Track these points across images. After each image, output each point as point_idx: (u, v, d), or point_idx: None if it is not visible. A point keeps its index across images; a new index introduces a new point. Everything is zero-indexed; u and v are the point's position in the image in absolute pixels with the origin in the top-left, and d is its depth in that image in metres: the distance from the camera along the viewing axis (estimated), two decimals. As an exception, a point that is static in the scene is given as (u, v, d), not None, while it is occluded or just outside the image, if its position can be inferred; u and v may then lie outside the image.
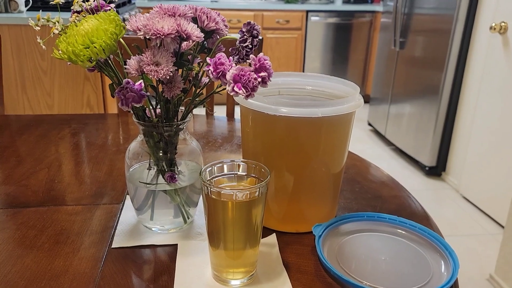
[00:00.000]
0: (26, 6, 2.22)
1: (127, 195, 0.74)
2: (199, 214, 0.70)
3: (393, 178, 0.86)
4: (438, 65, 2.42)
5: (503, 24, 2.02)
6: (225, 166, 0.56)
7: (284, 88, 0.72)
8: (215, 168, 0.55)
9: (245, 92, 0.52)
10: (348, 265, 0.58)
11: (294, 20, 3.68)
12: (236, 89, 0.51)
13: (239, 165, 0.56)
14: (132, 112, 0.59)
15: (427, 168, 2.57)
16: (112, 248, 0.61)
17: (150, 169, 0.65)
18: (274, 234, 0.65)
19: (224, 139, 1.05)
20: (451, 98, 2.41)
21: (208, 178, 0.54)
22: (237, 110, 1.24)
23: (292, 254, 0.61)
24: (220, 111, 1.26)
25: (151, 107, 0.59)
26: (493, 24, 2.03)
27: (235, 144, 1.01)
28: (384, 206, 0.76)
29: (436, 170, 2.57)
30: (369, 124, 3.35)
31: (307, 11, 3.68)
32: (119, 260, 0.59)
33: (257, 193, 0.50)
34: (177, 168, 0.64)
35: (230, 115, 1.24)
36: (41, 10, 0.89)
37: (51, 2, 0.61)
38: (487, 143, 2.14)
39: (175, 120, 0.60)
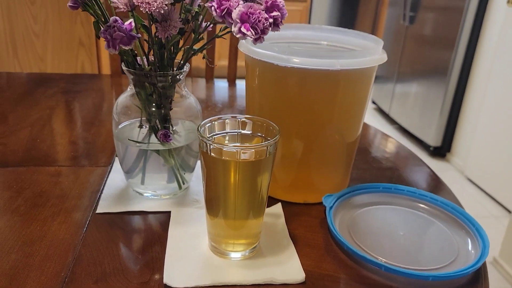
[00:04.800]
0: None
1: (116, 158, 0.67)
2: (195, 180, 0.63)
3: (409, 149, 0.79)
4: (448, 44, 2.32)
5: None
6: (227, 122, 0.48)
7: (295, 42, 0.64)
8: (216, 124, 0.48)
9: (254, 34, 0.44)
10: (363, 240, 0.52)
11: (299, -8, 3.54)
12: (243, 30, 0.44)
13: (243, 122, 0.48)
14: (120, 57, 0.51)
15: (431, 148, 2.49)
16: (97, 213, 0.54)
17: (142, 127, 0.57)
18: (280, 203, 0.58)
19: (225, 104, 0.97)
20: (460, 78, 2.32)
21: (208, 136, 0.47)
22: (240, 72, 1.14)
23: (300, 227, 0.54)
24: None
25: (142, 53, 0.51)
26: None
27: (237, 110, 0.93)
28: (400, 177, 0.69)
29: (441, 151, 2.49)
30: (373, 102, 3.26)
31: (313, -17, 3.54)
32: (104, 226, 0.52)
33: (265, 152, 0.43)
34: (172, 126, 0.56)
35: (231, 81, 1.16)
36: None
37: None
38: (496, 125, 2.07)
39: (171, 70, 0.52)
